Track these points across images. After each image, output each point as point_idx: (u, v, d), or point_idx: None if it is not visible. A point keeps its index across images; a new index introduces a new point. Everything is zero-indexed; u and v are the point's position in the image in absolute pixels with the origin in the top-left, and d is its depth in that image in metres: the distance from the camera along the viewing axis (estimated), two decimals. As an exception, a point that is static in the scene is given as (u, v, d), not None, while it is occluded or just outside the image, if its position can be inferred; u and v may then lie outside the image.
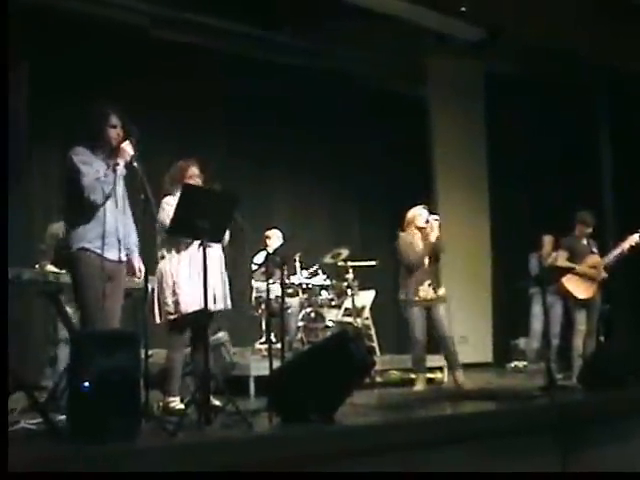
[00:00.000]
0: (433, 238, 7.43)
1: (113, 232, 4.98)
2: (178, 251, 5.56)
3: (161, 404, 5.49)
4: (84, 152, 4.99)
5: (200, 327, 5.31)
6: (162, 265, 5.60)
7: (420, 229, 7.54)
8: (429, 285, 7.42)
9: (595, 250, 7.99)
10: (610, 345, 7.72)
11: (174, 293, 5.49)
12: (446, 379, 8.55)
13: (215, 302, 5.54)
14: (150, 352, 5.25)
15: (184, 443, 4.22)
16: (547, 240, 9.44)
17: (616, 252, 7.90)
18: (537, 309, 9.65)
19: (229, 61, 9.71)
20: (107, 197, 4.91)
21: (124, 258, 5.08)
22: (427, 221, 7.47)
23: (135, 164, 4.97)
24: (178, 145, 8.69)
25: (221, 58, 9.67)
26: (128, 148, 4.97)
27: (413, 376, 7.62)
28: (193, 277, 5.47)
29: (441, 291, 7.49)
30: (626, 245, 7.85)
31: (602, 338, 7.98)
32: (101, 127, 5.02)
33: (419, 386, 7.43)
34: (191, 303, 5.44)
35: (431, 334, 7.56)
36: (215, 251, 5.59)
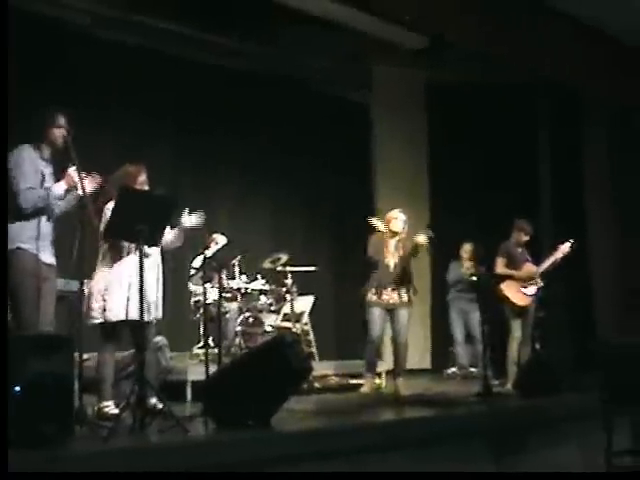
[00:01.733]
0: (410, 242, 7.46)
1: (47, 235, 4.97)
2: (113, 257, 5.46)
3: (96, 409, 5.41)
4: (29, 151, 4.93)
5: (137, 332, 5.25)
6: (97, 267, 5.50)
7: (394, 233, 7.59)
8: (393, 290, 7.45)
9: (529, 258, 8.11)
10: (545, 352, 7.82)
11: (102, 299, 5.39)
12: (384, 384, 8.59)
13: (148, 312, 5.38)
14: (86, 356, 5.18)
15: (117, 448, 4.16)
16: (466, 248, 9.57)
17: (549, 261, 8.03)
18: (454, 315, 9.77)
19: (177, 64, 9.61)
20: (38, 210, 4.87)
21: (55, 263, 5.04)
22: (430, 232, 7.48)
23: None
24: (122, 147, 8.61)
25: (170, 61, 9.56)
26: (74, 175, 4.92)
27: (352, 382, 7.63)
28: (124, 285, 5.38)
29: (405, 297, 7.52)
30: (559, 254, 7.99)
31: (537, 345, 8.08)
32: (47, 127, 4.99)
33: (366, 388, 7.46)
34: (117, 312, 5.36)
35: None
36: (153, 258, 5.53)
